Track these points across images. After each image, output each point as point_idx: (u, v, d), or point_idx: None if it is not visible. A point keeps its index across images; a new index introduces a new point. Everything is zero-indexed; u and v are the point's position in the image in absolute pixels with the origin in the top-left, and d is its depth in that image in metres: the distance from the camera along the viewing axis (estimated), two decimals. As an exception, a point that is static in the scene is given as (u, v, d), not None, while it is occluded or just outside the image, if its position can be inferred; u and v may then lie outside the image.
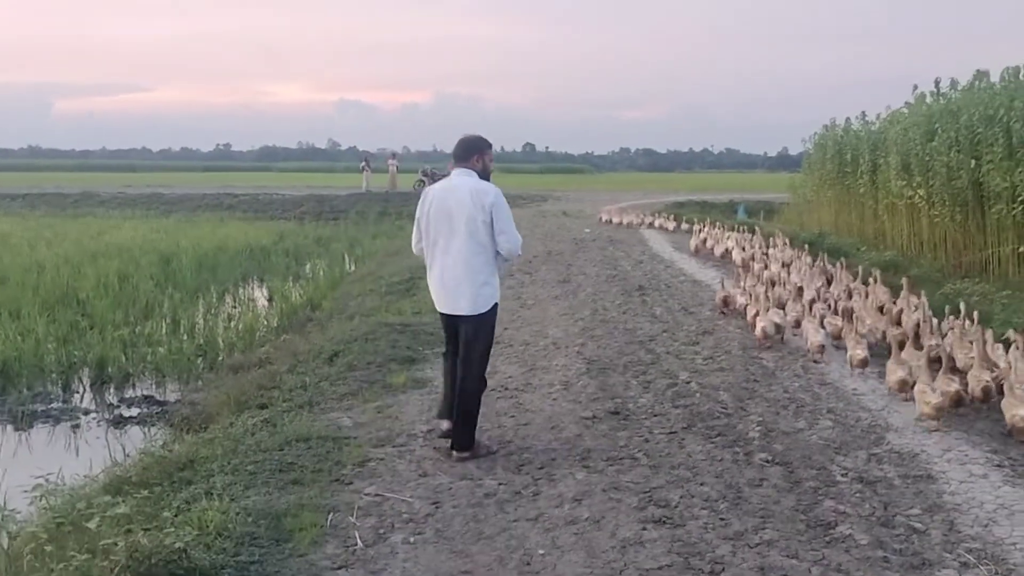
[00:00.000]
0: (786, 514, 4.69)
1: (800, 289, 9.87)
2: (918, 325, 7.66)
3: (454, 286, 5.72)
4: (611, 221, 22.85)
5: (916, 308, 8.26)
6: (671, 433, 6.03)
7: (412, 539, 4.51)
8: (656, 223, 21.69)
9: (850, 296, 9.39)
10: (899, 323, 8.21)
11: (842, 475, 5.24)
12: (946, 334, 7.59)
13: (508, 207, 5.79)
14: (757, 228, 17.74)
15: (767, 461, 5.48)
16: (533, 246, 17.75)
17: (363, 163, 44.24)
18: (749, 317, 9.10)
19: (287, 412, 6.86)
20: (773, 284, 10.07)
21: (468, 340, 5.74)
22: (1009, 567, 4.07)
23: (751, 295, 9.45)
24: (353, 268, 18.26)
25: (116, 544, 3.93)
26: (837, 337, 8.30)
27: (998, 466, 5.37)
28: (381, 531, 4.62)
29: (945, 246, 15.16)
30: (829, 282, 10.58)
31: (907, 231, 16.98)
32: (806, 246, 14.70)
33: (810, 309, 8.76)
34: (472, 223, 5.62)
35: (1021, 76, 13.47)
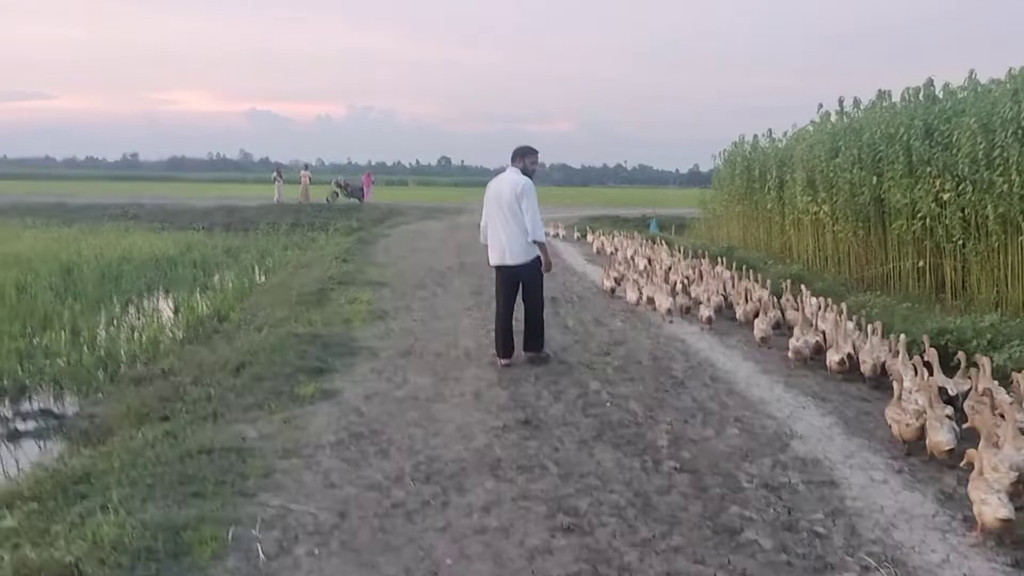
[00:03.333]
0: (693, 520, 4.72)
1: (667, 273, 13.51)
2: (760, 300, 10.37)
3: (503, 247, 8.24)
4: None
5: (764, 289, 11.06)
6: (581, 442, 6.04)
7: (316, 551, 4.40)
8: (561, 234, 22.49)
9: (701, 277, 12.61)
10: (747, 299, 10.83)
11: (748, 481, 5.31)
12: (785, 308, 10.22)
13: (534, 196, 8.13)
14: (659, 239, 18.60)
15: (675, 469, 5.52)
16: (446, 259, 17.72)
17: (275, 174, 43.58)
18: (628, 295, 12.24)
19: (190, 424, 6.65)
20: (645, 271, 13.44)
21: (525, 281, 8.33)
22: (908, 570, 4.16)
23: (628, 278, 12.90)
24: (263, 279, 17.90)
25: (2, 559, 3.74)
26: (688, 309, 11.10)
27: (898, 472, 5.51)
28: (284, 544, 4.49)
29: (848, 260, 15.59)
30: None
31: (812, 246, 17.42)
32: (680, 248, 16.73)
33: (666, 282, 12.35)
34: (511, 204, 8.12)
35: (921, 96, 13.95)
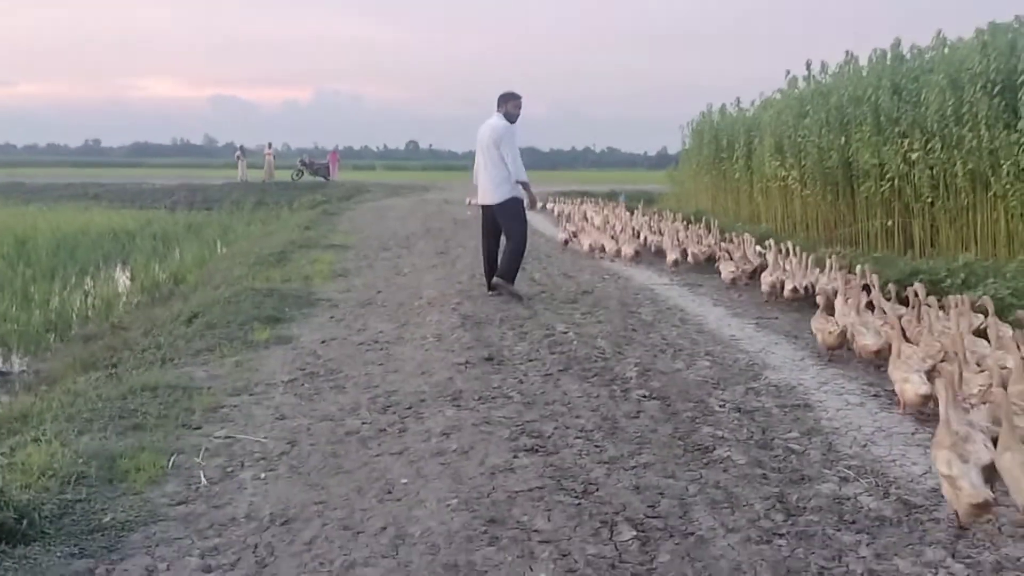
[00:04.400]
0: (663, 440, 4.48)
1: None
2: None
3: (484, 187, 8.79)
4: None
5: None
6: (547, 375, 5.78)
7: (263, 475, 4.12)
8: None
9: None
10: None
11: (720, 406, 5.09)
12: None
13: (513, 140, 8.67)
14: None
15: (645, 396, 5.29)
16: (411, 226, 17.41)
17: (238, 153, 42.86)
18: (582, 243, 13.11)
19: (136, 369, 6.34)
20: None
21: (503, 219, 8.74)
22: (889, 480, 3.95)
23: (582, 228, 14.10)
24: (224, 251, 17.47)
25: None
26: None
27: (874, 396, 5.32)
28: (229, 469, 4.21)
29: (817, 225, 15.44)
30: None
31: (781, 212, 17.24)
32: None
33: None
34: (491, 147, 8.64)
35: (888, 57, 13.76)
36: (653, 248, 12.69)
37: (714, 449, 4.35)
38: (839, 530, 3.42)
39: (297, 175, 40.22)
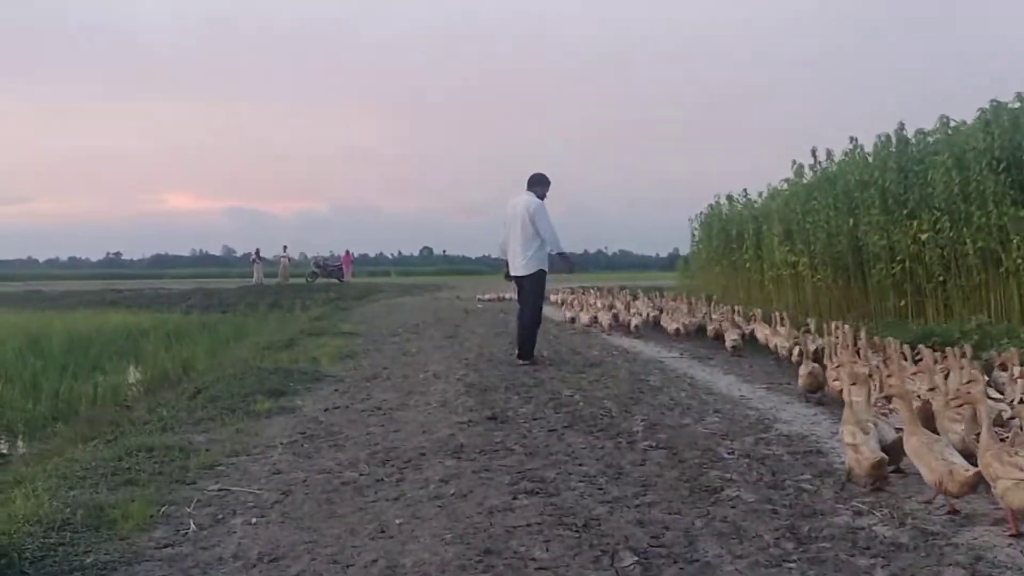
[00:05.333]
0: (669, 483, 4.33)
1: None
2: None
3: (514, 258, 9.23)
4: (502, 298, 22.60)
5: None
6: (551, 431, 5.64)
7: (254, 520, 3.98)
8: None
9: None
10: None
11: (729, 453, 4.93)
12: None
13: (546, 214, 9.20)
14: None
15: (651, 447, 5.13)
16: (421, 316, 17.38)
17: (254, 256, 43.25)
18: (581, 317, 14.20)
19: (135, 436, 6.22)
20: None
21: (525, 290, 9.30)
22: (905, 512, 3.78)
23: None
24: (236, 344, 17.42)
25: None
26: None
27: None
28: (220, 517, 4.07)
29: (830, 310, 15.30)
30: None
31: (792, 299, 17.13)
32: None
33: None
34: (525, 222, 9.11)
35: (893, 142, 13.78)
36: (652, 320, 13.39)
37: (722, 489, 4.19)
38: (853, 556, 3.25)
39: (311, 277, 40.48)
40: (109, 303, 33.50)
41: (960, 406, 4.41)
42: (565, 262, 9.61)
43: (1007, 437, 3.74)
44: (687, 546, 3.38)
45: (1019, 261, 9.64)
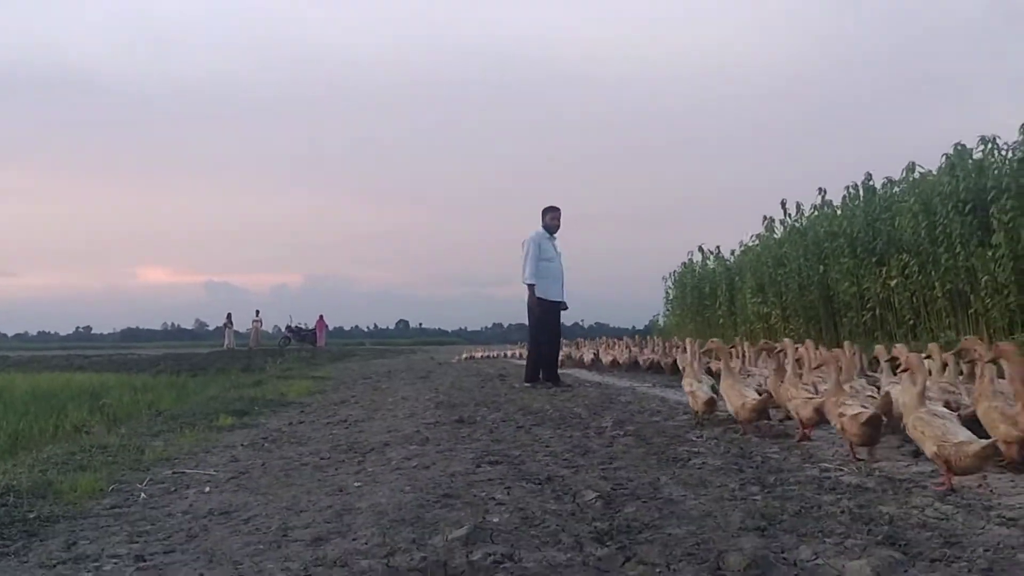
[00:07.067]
0: (638, 457, 4.24)
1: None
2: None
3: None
4: (475, 356, 22.76)
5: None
6: (519, 427, 5.55)
7: (207, 490, 3.85)
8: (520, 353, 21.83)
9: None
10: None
11: (697, 437, 4.86)
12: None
13: (532, 247, 9.55)
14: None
15: (620, 435, 5.05)
16: (394, 367, 17.24)
17: (226, 320, 42.85)
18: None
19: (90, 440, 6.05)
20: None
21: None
22: (872, 467, 3.71)
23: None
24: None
25: None
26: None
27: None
28: (173, 490, 3.93)
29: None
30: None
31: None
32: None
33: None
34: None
35: (861, 192, 13.92)
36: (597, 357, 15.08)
37: (689, 460, 4.11)
38: (819, 494, 3.18)
39: (284, 343, 40.06)
40: (76, 368, 32.99)
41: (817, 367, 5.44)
42: (530, 295, 9.67)
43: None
44: (652, 490, 3.30)
45: (986, 299, 9.71)
